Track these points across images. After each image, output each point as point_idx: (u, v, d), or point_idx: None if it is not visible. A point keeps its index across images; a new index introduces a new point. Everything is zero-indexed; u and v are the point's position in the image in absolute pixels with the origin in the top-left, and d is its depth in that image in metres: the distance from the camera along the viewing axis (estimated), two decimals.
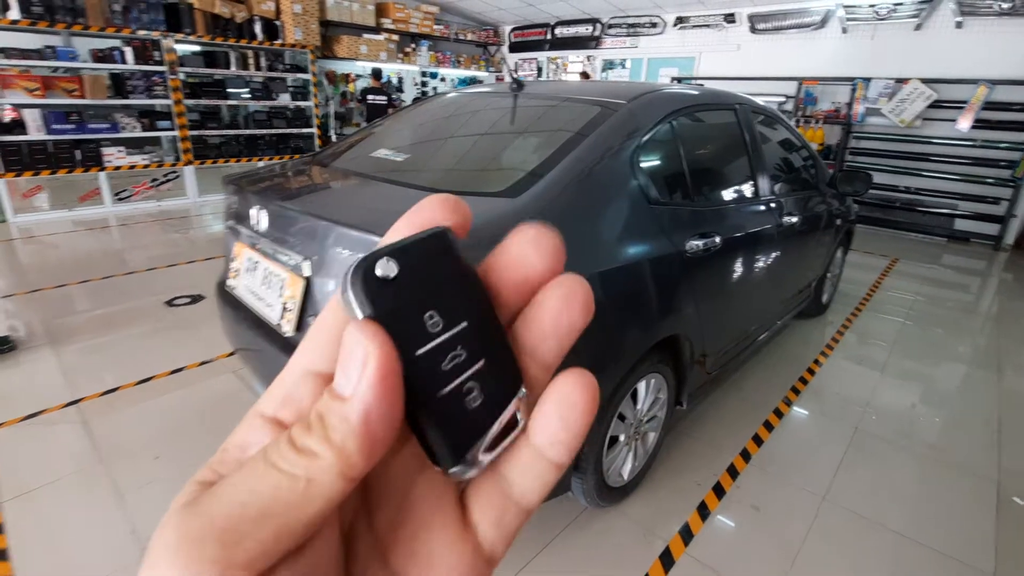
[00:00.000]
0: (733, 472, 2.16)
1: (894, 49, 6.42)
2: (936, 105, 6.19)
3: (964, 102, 6.01)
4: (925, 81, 6.17)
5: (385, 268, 0.18)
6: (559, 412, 0.19)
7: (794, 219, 2.61)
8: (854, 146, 6.94)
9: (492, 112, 2.10)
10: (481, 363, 0.19)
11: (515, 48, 10.57)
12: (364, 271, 0.18)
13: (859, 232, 6.86)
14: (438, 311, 0.19)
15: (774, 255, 2.53)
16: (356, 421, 0.17)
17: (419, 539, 0.20)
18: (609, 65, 9.18)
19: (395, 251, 0.19)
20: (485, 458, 0.20)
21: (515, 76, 2.23)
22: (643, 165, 1.78)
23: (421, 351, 0.18)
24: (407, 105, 2.71)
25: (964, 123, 6.06)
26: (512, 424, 0.20)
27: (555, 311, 0.20)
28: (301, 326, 1.46)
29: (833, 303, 4.05)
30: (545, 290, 0.21)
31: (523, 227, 0.21)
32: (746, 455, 2.26)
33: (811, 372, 3.03)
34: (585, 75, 9.05)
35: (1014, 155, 5.93)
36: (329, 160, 2.01)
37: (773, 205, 2.46)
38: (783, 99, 7.21)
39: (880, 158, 6.76)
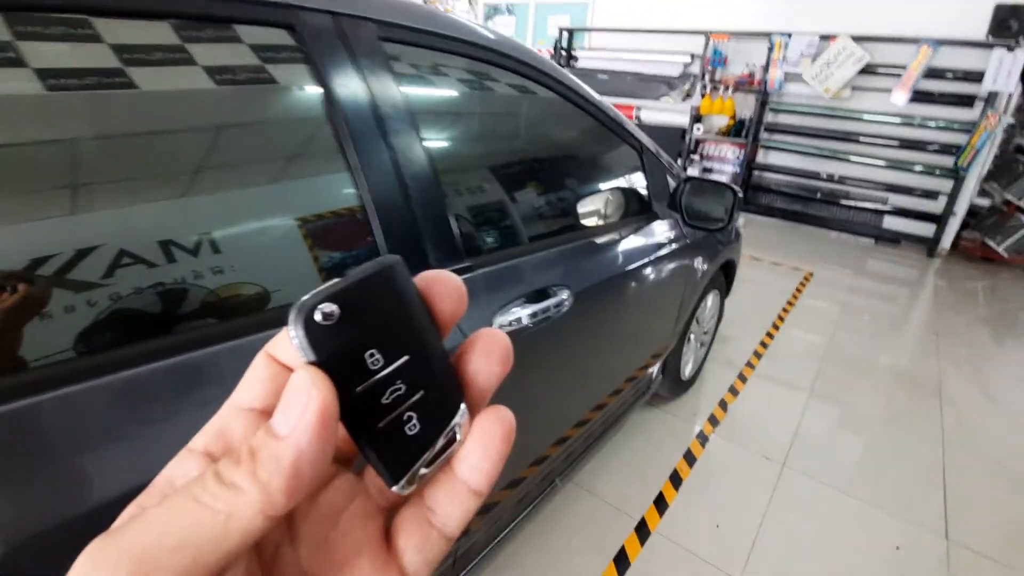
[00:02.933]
0: None
1: None
2: (868, 71, 4.88)
3: (902, 67, 4.72)
4: (856, 39, 4.83)
5: (326, 312, 0.18)
6: (481, 443, 0.21)
7: (566, 296, 1.14)
8: (771, 121, 5.59)
9: None
10: (420, 394, 0.20)
11: None
12: (305, 316, 0.18)
13: (772, 229, 5.63)
14: (379, 348, 0.19)
15: (548, 364, 1.07)
16: (287, 461, 0.17)
17: (347, 567, 0.20)
18: (493, 11, 7.45)
19: (336, 294, 0.18)
20: (425, 472, 0.21)
21: None
22: None
23: (361, 388, 0.19)
24: None
25: (900, 95, 4.78)
26: (452, 441, 0.21)
27: (477, 362, 0.22)
28: None
29: (707, 366, 2.67)
30: (468, 343, 0.22)
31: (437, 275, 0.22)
32: None
33: (642, 537, 1.62)
34: None
35: (958, 138, 4.72)
36: None
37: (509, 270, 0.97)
38: (688, 59, 5.75)
39: (800, 137, 5.46)
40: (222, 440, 0.19)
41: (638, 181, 1.64)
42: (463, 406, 0.21)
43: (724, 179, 5.79)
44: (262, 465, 0.17)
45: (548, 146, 1.44)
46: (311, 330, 0.18)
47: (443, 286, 0.22)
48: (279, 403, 0.18)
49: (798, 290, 3.89)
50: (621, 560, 1.61)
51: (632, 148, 1.61)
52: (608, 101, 1.51)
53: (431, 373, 0.20)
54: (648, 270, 1.57)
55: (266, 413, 0.19)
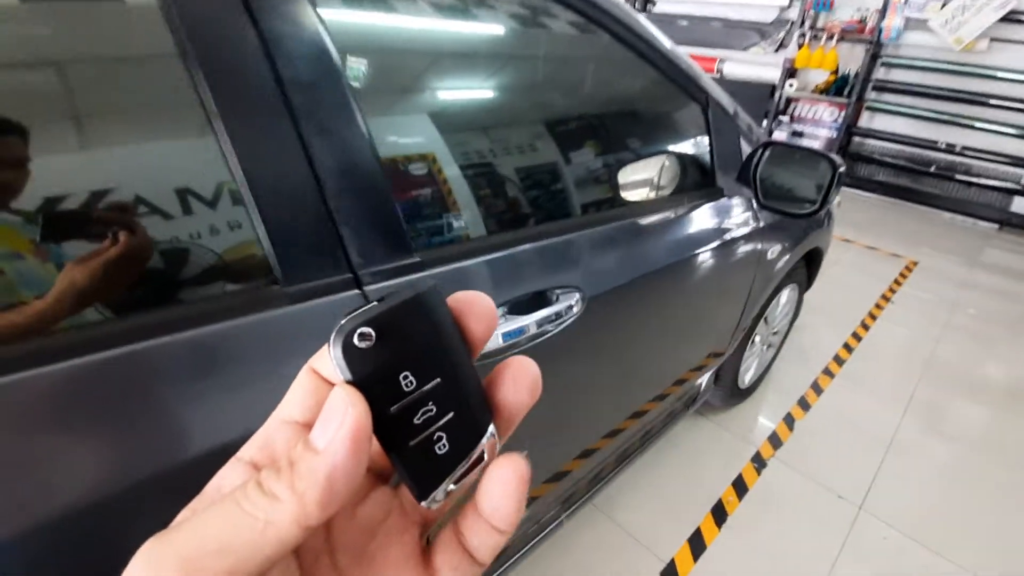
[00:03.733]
0: None
1: None
2: (1013, 18, 4.00)
3: None
4: None
5: (364, 335, 0.19)
6: (500, 488, 0.21)
7: (575, 301, 0.83)
8: (881, 78, 4.79)
9: None
10: (450, 415, 0.21)
11: None
12: (344, 339, 0.19)
13: (869, 206, 4.88)
14: (412, 371, 0.20)
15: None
16: (322, 474, 0.17)
17: None
18: None
19: (375, 319, 0.19)
20: (453, 488, 0.21)
21: None
22: None
23: (394, 408, 0.20)
24: None
25: None
26: (479, 460, 0.21)
27: (506, 390, 0.22)
28: None
29: (775, 367, 2.26)
30: (498, 370, 0.23)
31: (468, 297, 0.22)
32: None
33: None
34: None
35: None
36: None
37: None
38: (785, 2, 4.98)
39: (916, 98, 4.64)
40: (267, 450, 0.20)
41: (698, 146, 1.26)
42: (491, 427, 0.22)
43: (816, 145, 5.09)
44: (299, 477, 0.17)
45: (554, 96, 1.08)
46: (349, 351, 0.19)
47: (475, 307, 0.22)
48: (318, 418, 0.18)
49: (897, 281, 3.31)
50: None
51: (694, 100, 1.22)
52: (687, 52, 1.12)
53: (461, 395, 0.21)
54: (700, 263, 1.20)
55: (308, 426, 0.20)
